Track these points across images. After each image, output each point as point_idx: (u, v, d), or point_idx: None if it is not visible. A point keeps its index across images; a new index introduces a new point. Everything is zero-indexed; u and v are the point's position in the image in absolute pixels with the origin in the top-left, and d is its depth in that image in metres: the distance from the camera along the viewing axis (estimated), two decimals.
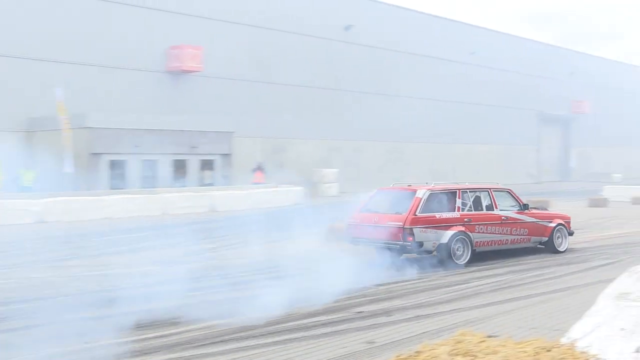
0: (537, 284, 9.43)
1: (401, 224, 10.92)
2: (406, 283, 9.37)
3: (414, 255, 11.15)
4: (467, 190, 11.91)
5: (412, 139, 35.45)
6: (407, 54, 35.26)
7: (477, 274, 10.27)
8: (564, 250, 12.62)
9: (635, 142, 53.18)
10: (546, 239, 12.69)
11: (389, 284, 9.21)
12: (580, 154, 48.59)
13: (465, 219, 11.47)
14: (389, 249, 11.18)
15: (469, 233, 11.38)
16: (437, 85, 36.11)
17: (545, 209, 14.05)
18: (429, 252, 11.11)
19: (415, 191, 11.46)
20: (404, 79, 34.77)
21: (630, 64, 56.65)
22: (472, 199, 11.91)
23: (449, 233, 11.17)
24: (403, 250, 11.08)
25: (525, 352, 4.05)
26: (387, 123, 33.66)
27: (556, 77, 45.93)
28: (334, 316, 7.16)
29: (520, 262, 11.50)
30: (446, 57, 37.23)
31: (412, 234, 10.88)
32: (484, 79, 39.64)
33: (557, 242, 12.73)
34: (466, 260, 11.20)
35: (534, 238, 12.59)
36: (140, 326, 6.59)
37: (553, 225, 12.81)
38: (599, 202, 24.35)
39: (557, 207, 22.99)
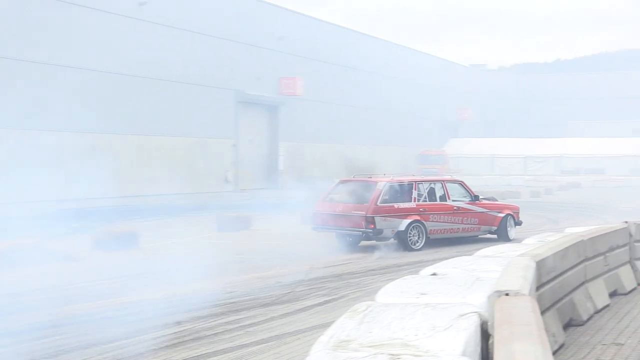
0: (230, 334, 9.87)
1: (364, 213, 17.22)
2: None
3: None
4: (423, 182, 18.34)
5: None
6: None
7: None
8: (512, 239, 18.57)
9: (358, 136, 58.66)
10: (495, 228, 19.32)
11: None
12: (291, 150, 51.75)
13: (421, 209, 17.83)
14: (352, 235, 17.88)
15: (424, 222, 17.77)
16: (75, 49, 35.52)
17: (496, 200, 20.42)
18: (388, 239, 17.62)
19: (376, 183, 17.65)
20: None
21: (364, 32, 62.60)
22: (427, 190, 18.16)
23: (406, 222, 17.57)
24: (365, 237, 17.62)
25: None
26: None
27: (261, 43, 48.64)
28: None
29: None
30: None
31: (374, 222, 17.18)
32: (156, 40, 40.17)
33: (508, 231, 19.29)
34: (421, 245, 17.72)
35: (483, 227, 19.23)
36: None
37: (502, 215, 19.36)
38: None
39: (264, 224, 24.53)
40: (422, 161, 61.96)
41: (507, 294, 6.21)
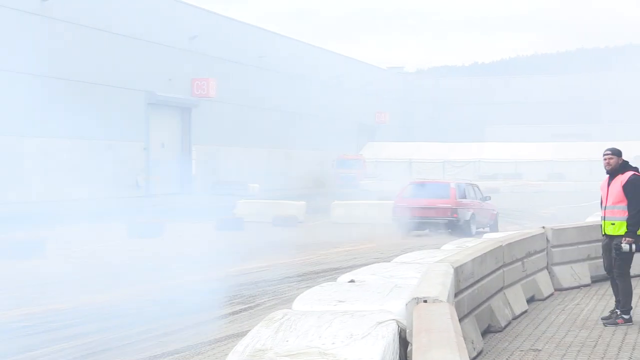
0: (142, 344, 9.78)
1: (449, 205, 24.40)
2: None
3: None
4: (468, 184, 26.55)
5: None
6: None
7: None
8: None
9: (274, 139, 58.68)
10: (492, 222, 26.00)
11: None
12: (203, 154, 51.52)
13: (471, 205, 24.94)
14: (437, 223, 24.67)
15: (475, 214, 24.81)
16: None
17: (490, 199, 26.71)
18: (461, 226, 24.23)
19: (449, 183, 26.28)
20: None
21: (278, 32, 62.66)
22: (473, 190, 25.83)
23: (469, 213, 24.59)
24: (449, 224, 24.48)
25: None
26: None
27: (173, 43, 48.28)
28: None
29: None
30: None
31: (457, 212, 24.37)
32: (61, 38, 39.44)
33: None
34: (474, 232, 23.91)
35: (488, 221, 25.90)
36: None
37: (496, 212, 26.51)
38: (230, 224, 26.37)
39: (176, 230, 24.37)
40: (339, 165, 62.07)
41: (425, 301, 6.30)
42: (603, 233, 10.35)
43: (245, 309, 12.17)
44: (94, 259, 18.76)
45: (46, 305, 12.57)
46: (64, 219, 28.22)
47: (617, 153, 10.23)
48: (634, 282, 10.73)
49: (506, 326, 10.01)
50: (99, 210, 31.62)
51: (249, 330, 6.45)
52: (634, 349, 8.74)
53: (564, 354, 8.57)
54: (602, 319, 10.29)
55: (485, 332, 9.45)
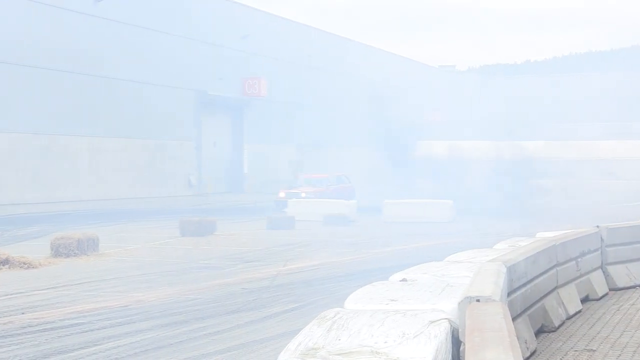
0: (194, 342, 9.85)
1: None
2: None
3: None
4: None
5: None
6: None
7: None
8: None
9: (326, 138, 58.65)
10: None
11: None
12: (254, 153, 51.70)
13: None
14: None
15: None
16: None
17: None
18: None
19: None
20: None
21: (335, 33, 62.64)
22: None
23: None
24: None
25: None
26: None
27: (224, 42, 48.51)
28: None
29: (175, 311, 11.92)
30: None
31: None
32: (114, 38, 39.83)
33: None
34: None
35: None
36: None
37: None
38: (282, 223, 26.44)
39: (228, 228, 24.49)
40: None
41: (478, 300, 6.26)
42: None
43: (296, 308, 12.20)
44: (148, 256, 18.89)
45: (100, 302, 12.71)
46: (118, 217, 28.58)
47: None
48: None
49: (560, 326, 9.90)
50: (153, 208, 31.92)
51: (301, 328, 6.45)
52: None
53: (619, 355, 8.45)
54: None
55: (538, 332, 9.37)
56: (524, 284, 8.89)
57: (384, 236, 24.14)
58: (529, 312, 8.98)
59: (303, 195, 34.67)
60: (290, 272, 16.12)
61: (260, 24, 52.09)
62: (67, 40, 36.83)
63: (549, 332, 9.60)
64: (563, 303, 10.53)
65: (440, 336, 5.95)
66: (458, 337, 6.26)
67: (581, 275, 11.70)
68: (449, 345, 6.08)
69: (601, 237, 12.77)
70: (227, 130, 50.68)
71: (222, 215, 27.44)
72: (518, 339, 5.83)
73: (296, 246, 20.95)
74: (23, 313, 11.84)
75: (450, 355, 6.06)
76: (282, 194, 35.61)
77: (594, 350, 8.66)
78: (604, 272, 12.70)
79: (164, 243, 21.81)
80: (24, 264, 16.40)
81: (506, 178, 48.46)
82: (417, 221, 28.02)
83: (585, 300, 11.63)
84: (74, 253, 17.94)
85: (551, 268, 10.34)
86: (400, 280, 8.49)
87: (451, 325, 6.25)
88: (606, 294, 12.31)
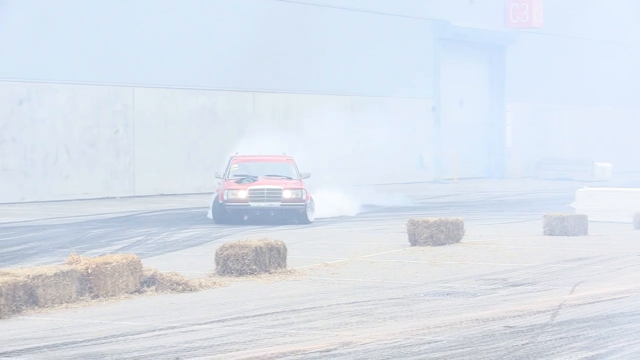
0: None
1: None
2: None
3: None
4: None
5: None
6: None
7: None
8: None
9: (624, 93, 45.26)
10: None
11: None
12: (522, 117, 41.70)
13: None
14: None
15: None
16: None
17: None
18: None
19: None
20: None
21: None
22: None
23: None
24: None
25: None
26: None
27: None
28: None
29: None
30: None
31: None
32: None
33: None
34: None
35: None
36: None
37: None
38: (566, 225, 21.23)
39: (485, 235, 21.21)
40: None
41: None
42: None
43: (591, 358, 9.47)
44: (361, 275, 16.07)
45: (288, 345, 10.28)
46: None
47: None
48: None
49: None
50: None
51: None
52: None
53: None
54: None
55: None
56: None
57: None
58: None
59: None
60: (581, 303, 13.13)
61: None
62: None
63: None
64: None
65: None
66: None
67: None
68: None
69: None
70: (481, 82, 41.38)
71: (478, 212, 25.65)
72: None
73: (590, 262, 17.40)
74: (178, 358, 9.76)
75: None
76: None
77: None
78: None
79: (386, 254, 18.48)
80: (177, 284, 13.78)
81: None
82: None
83: None
84: (250, 270, 14.92)
85: None
86: None
87: None
88: None
